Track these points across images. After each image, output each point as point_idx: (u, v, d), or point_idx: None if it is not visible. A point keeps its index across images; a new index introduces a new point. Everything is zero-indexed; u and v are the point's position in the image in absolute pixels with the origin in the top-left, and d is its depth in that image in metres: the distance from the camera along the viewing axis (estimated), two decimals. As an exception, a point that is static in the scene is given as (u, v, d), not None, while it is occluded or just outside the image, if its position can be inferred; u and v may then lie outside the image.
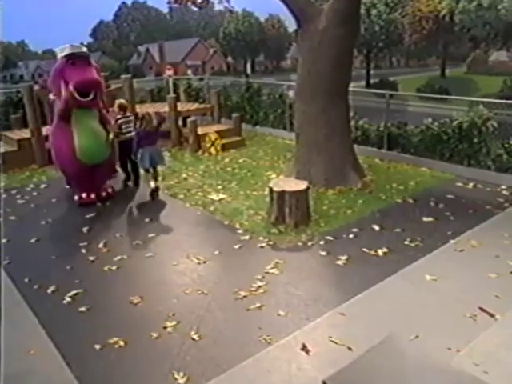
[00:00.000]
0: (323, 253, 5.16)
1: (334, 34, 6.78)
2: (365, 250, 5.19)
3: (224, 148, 9.90)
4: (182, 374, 3.33)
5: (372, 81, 36.17)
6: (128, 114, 7.65)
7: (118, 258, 5.19)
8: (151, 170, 7.12)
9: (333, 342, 3.60)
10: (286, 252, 5.23)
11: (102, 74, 8.08)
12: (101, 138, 6.71)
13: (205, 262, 5.04)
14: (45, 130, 8.80)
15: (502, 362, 3.30)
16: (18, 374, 3.37)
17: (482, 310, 3.96)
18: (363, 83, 35.90)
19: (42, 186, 7.96)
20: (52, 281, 4.67)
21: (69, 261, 5.17)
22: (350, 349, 3.50)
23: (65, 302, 4.33)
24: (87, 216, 6.48)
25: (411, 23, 37.19)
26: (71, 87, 6.21)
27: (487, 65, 44.99)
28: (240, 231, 5.81)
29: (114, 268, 4.96)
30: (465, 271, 4.67)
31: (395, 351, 3.10)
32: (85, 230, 6.02)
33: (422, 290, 4.35)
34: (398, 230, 5.72)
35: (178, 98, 11.46)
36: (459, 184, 7.51)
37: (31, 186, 7.96)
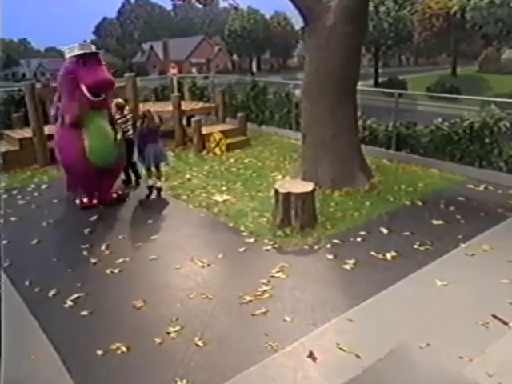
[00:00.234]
0: (330, 256, 5.06)
1: (341, 32, 6.68)
2: (373, 253, 5.09)
3: (229, 148, 9.80)
4: (185, 381, 3.27)
5: (380, 79, 35.88)
6: (125, 113, 7.54)
7: (121, 260, 5.12)
8: (154, 168, 7.05)
9: (340, 349, 3.52)
10: (291, 255, 5.14)
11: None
12: (110, 139, 6.61)
13: (209, 265, 4.96)
14: (47, 129, 8.75)
15: (516, 372, 3.19)
16: (18, 379, 3.32)
17: (495, 317, 3.86)
18: (371, 82, 35.68)
19: (44, 186, 7.90)
20: (53, 284, 4.61)
21: (70, 263, 5.11)
22: (358, 356, 3.41)
23: (66, 305, 4.26)
24: (89, 217, 6.41)
25: (421, 20, 36.86)
26: (84, 88, 6.11)
27: (499, 63, 44.15)
28: (245, 233, 5.72)
29: (116, 271, 4.89)
30: (476, 276, 4.56)
31: (406, 361, 3.01)
32: (86, 231, 5.97)
33: (432, 295, 4.24)
34: (406, 233, 5.60)
35: (182, 97, 11.37)
36: (470, 186, 7.35)
37: (32, 186, 7.90)
